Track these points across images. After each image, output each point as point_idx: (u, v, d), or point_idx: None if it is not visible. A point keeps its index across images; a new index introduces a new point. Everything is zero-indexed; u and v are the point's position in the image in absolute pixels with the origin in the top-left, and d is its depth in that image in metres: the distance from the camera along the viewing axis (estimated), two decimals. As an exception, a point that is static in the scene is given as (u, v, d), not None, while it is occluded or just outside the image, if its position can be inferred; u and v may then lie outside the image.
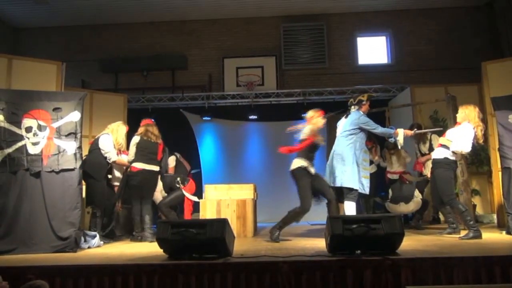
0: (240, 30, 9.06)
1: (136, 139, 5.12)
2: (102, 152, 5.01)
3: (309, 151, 4.67)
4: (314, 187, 4.69)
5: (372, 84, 8.33)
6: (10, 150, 4.30)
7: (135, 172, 5.01)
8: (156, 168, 5.14)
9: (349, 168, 4.56)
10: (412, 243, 3.99)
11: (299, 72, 8.85)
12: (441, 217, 6.17)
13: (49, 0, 7.96)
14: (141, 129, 5.21)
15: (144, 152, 5.06)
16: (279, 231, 4.66)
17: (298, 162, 4.63)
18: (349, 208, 4.56)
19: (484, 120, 4.67)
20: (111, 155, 5.01)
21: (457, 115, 4.68)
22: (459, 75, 8.18)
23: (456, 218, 4.78)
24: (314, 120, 4.78)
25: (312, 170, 4.67)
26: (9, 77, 5.47)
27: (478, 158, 6.64)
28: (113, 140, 5.12)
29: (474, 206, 6.26)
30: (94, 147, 5.11)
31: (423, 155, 6.15)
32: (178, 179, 5.69)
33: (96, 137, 5.22)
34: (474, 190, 6.57)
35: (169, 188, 5.70)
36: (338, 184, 4.58)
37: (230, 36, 9.05)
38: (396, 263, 2.91)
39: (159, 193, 5.65)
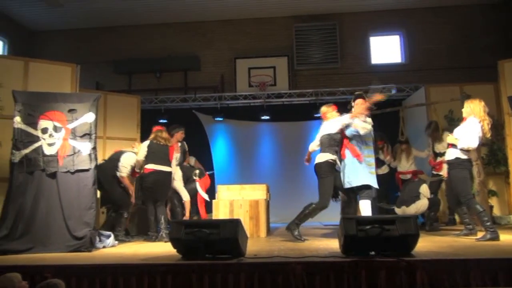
0: (252, 31, 9.07)
1: (146, 143, 5.24)
2: (119, 164, 5.12)
3: (337, 145, 4.69)
4: (335, 184, 4.69)
5: (385, 84, 8.24)
6: (27, 151, 4.38)
7: (147, 174, 5.08)
8: (168, 168, 5.19)
9: (351, 167, 4.54)
10: (427, 244, 3.93)
11: (311, 72, 8.82)
12: (457, 218, 6.08)
13: (64, 3, 8.08)
14: (151, 135, 5.34)
15: (155, 154, 5.14)
16: (298, 228, 4.61)
17: (326, 156, 4.61)
18: (365, 207, 4.52)
19: (490, 114, 4.58)
20: (123, 170, 5.09)
21: (462, 110, 4.61)
22: (475, 74, 8.04)
23: (473, 219, 4.70)
24: (329, 114, 4.84)
25: (339, 164, 4.68)
26: (26, 79, 5.57)
27: (495, 159, 6.53)
28: (135, 161, 5.21)
29: (491, 207, 6.15)
30: (115, 157, 5.21)
31: (436, 154, 6.06)
32: (197, 171, 5.80)
33: (122, 150, 5.31)
34: (491, 191, 6.45)
35: (186, 178, 5.77)
36: (347, 185, 4.56)
37: (242, 36, 9.07)
38: (411, 264, 2.87)
39: (179, 182, 5.67)
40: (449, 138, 4.59)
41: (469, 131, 4.37)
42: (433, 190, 5.87)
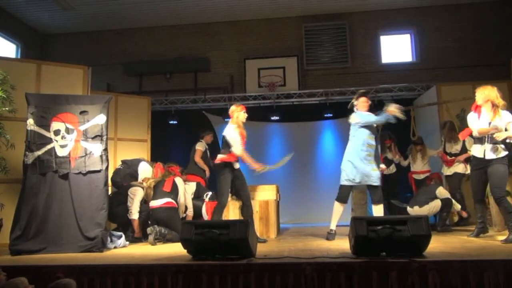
0: (262, 31, 9.06)
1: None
2: (129, 198, 5.18)
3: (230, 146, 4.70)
4: (234, 185, 4.78)
5: (396, 83, 8.18)
6: (39, 152, 4.45)
7: (152, 211, 5.13)
8: (163, 200, 5.08)
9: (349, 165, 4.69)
10: (439, 245, 3.88)
11: (321, 72, 8.78)
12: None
13: (76, 6, 8.18)
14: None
15: (156, 189, 5.23)
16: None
17: (221, 157, 4.69)
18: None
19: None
20: (133, 210, 5.13)
21: (476, 98, 4.40)
22: (487, 72, 7.92)
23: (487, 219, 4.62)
24: (235, 114, 4.79)
25: (237, 165, 4.74)
26: (39, 82, 5.65)
27: (508, 158, 6.40)
28: (143, 194, 5.26)
29: (505, 207, 6.03)
30: (122, 191, 5.31)
31: (447, 154, 5.98)
32: (210, 193, 5.68)
33: (131, 183, 5.39)
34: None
35: (198, 195, 5.76)
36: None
37: (252, 37, 9.07)
38: (423, 265, 2.84)
39: (189, 195, 5.63)
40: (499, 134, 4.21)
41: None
42: (455, 188, 5.78)
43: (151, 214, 5.12)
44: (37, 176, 4.39)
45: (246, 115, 4.84)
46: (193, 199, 5.69)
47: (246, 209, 4.79)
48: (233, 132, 4.70)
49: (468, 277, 2.79)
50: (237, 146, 4.64)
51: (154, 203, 5.13)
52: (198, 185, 5.86)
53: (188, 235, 3.32)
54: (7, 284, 2.47)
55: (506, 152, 4.23)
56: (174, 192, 5.20)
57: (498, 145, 4.20)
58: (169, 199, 5.11)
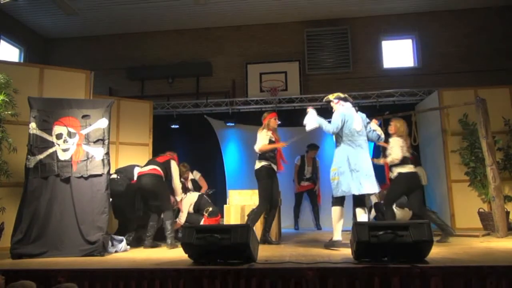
0: (264, 36, 9.09)
1: None
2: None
3: (269, 151, 5.04)
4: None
5: (398, 88, 8.18)
6: (41, 156, 4.46)
7: (137, 178, 5.13)
8: (153, 166, 5.03)
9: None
10: (441, 250, 3.87)
11: (323, 77, 8.79)
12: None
13: (79, 11, 8.23)
14: None
15: (148, 162, 5.30)
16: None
17: (260, 163, 5.00)
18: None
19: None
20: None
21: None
22: (489, 77, 7.92)
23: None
24: (267, 121, 5.12)
25: (275, 168, 5.08)
26: (41, 86, 5.68)
27: (510, 163, 6.40)
28: None
29: (507, 213, 6.01)
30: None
31: None
32: (210, 209, 5.63)
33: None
34: (507, 196, 6.32)
35: (198, 208, 5.72)
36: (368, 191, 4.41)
37: (253, 42, 9.10)
38: (425, 271, 2.83)
39: (187, 204, 5.62)
40: None
41: None
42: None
43: (138, 182, 5.05)
44: (39, 180, 4.40)
45: (277, 121, 5.27)
46: (193, 211, 5.70)
47: (270, 214, 5.11)
48: (261, 133, 5.08)
49: (470, 283, 2.77)
50: (258, 143, 5.02)
51: (142, 169, 5.11)
52: (200, 197, 5.78)
53: (189, 240, 3.31)
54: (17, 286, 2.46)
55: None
56: (165, 166, 5.09)
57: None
58: (156, 167, 5.02)
